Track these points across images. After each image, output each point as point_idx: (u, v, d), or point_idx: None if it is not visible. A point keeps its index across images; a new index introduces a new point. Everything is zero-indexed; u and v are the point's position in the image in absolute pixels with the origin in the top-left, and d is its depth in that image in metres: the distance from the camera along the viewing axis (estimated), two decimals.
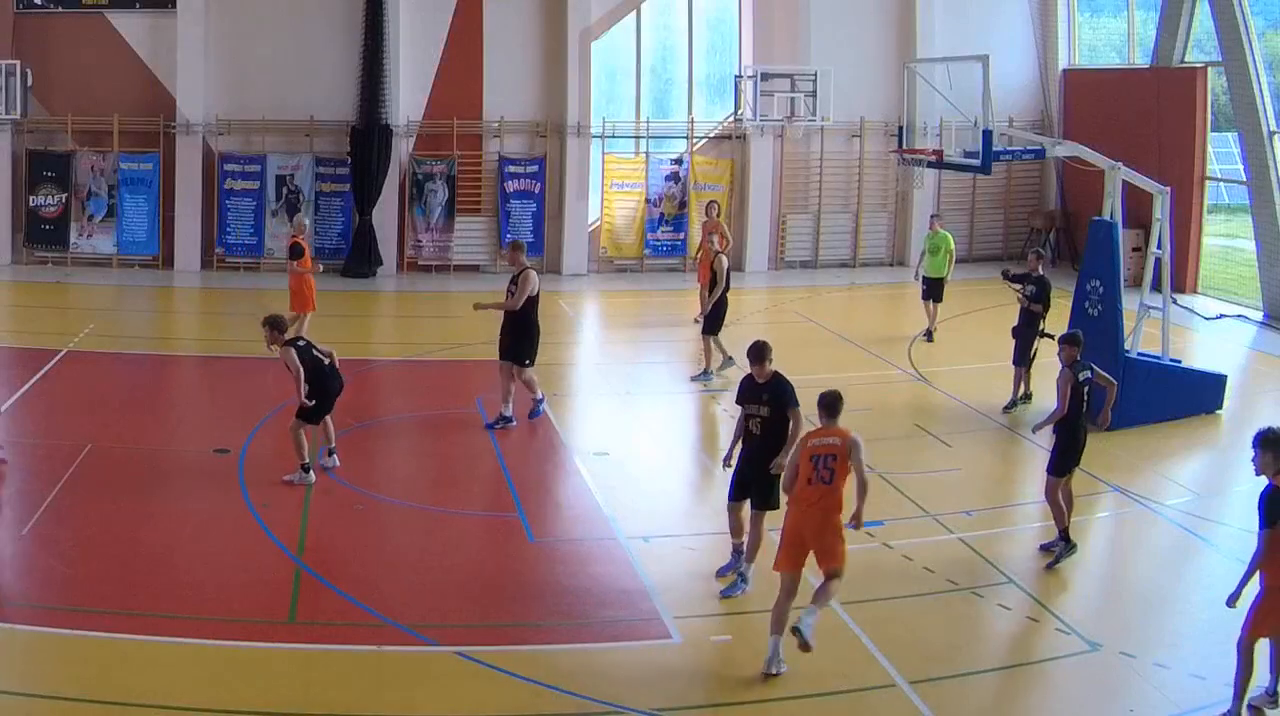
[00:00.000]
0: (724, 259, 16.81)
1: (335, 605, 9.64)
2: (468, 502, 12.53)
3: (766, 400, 9.82)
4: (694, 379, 16.67)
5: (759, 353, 9.94)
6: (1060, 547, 10.77)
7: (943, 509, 11.97)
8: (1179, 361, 15.66)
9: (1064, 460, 10.81)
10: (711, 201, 21.24)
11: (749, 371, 10.09)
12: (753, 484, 9.94)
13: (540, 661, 8.53)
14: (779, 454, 9.64)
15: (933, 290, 19.28)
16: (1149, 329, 15.46)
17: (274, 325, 12.36)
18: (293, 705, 8.13)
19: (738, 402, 10.18)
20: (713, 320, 16.65)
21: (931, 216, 20.86)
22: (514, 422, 14.32)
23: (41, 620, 9.04)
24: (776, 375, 9.93)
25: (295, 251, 17.32)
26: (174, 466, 12.87)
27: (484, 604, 9.92)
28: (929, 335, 19.19)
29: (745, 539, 10.11)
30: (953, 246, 19.43)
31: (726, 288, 16.64)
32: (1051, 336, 15.22)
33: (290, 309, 16.96)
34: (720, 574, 10.18)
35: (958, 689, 8.59)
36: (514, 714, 8.16)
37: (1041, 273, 15.64)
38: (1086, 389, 10.87)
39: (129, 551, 10.58)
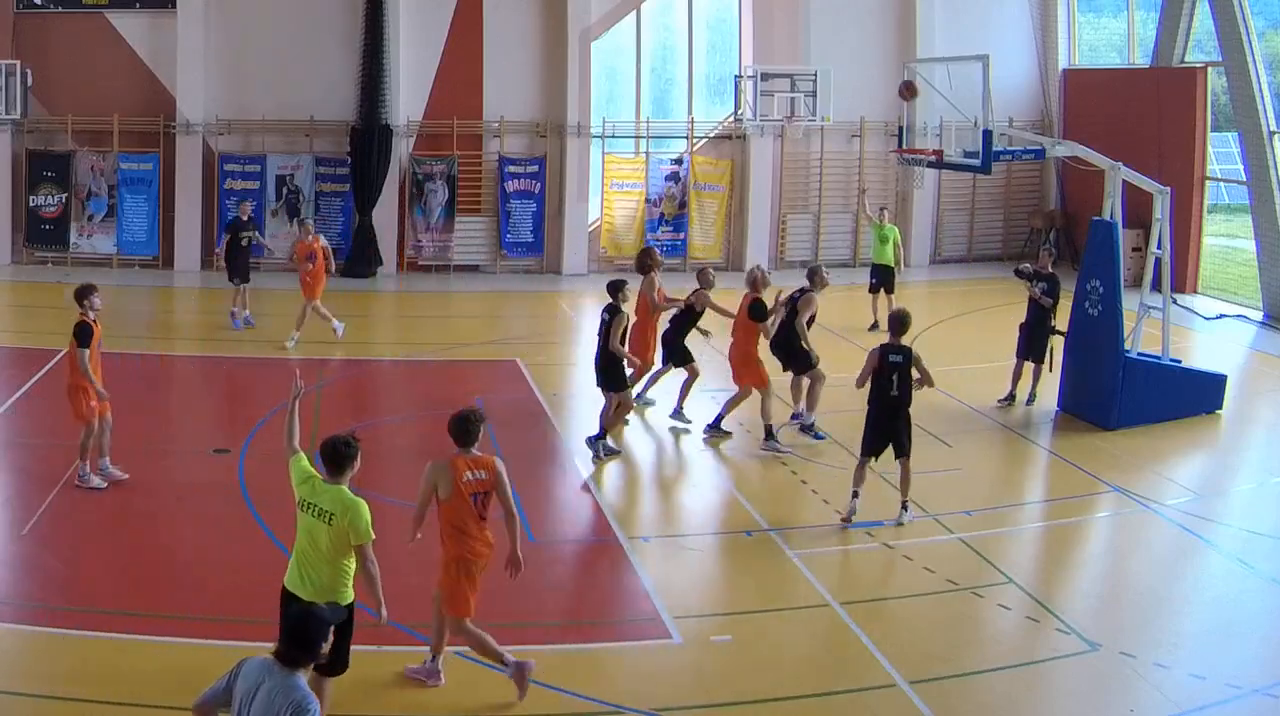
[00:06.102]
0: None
1: None
2: None
3: None
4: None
5: None
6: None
7: (943, 509, 11.97)
8: (1179, 361, 15.64)
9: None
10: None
11: None
12: None
13: (540, 661, 8.52)
14: None
15: (884, 281, 19.91)
16: (1149, 329, 15.46)
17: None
18: None
19: None
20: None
21: (880, 209, 21.33)
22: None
23: (41, 620, 9.03)
24: None
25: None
26: (174, 466, 12.86)
27: (484, 604, 9.90)
28: (874, 326, 19.46)
29: None
30: (899, 239, 20.40)
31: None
32: (1062, 333, 15.35)
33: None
34: None
35: (958, 689, 8.59)
36: (514, 714, 8.16)
37: (1052, 270, 15.78)
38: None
39: (129, 551, 10.58)
